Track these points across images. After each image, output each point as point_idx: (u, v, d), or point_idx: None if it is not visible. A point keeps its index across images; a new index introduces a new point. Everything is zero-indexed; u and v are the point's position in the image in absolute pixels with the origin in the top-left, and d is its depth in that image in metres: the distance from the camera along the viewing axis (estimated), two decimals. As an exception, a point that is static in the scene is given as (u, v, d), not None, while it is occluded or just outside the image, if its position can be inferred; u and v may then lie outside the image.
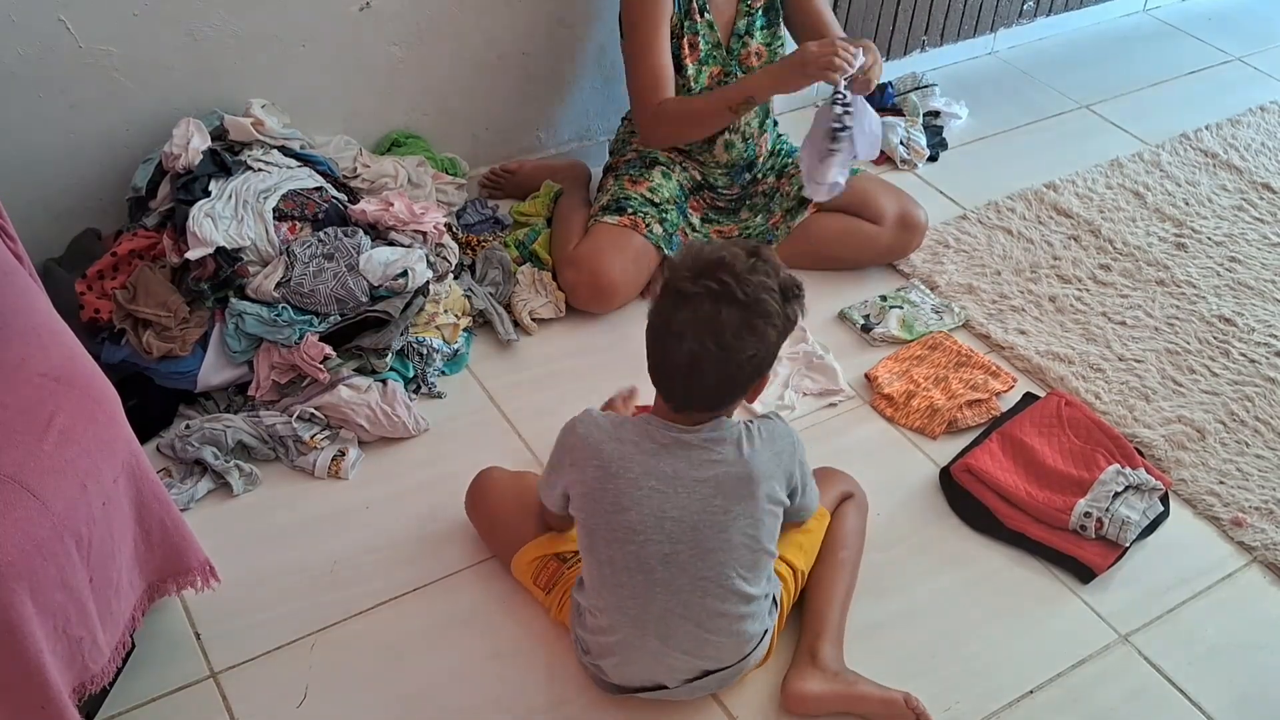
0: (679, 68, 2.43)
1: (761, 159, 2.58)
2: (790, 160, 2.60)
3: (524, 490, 1.86)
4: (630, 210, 2.42)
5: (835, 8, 3.04)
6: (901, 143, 2.98)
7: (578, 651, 1.71)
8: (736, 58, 2.46)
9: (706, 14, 2.41)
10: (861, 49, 2.20)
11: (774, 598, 1.67)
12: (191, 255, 2.06)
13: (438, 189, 2.50)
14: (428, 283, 2.19)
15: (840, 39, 2.27)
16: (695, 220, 2.53)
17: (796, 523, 1.72)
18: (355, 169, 2.41)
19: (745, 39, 2.45)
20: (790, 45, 2.48)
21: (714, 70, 2.45)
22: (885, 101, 3.14)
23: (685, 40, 2.41)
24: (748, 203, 2.59)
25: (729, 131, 2.49)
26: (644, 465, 1.51)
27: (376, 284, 2.12)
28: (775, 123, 2.64)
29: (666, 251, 2.42)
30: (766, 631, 1.66)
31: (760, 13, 2.45)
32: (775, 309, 1.44)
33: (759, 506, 1.53)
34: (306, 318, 2.08)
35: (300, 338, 2.05)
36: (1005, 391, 2.27)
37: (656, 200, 2.45)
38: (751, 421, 1.56)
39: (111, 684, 1.58)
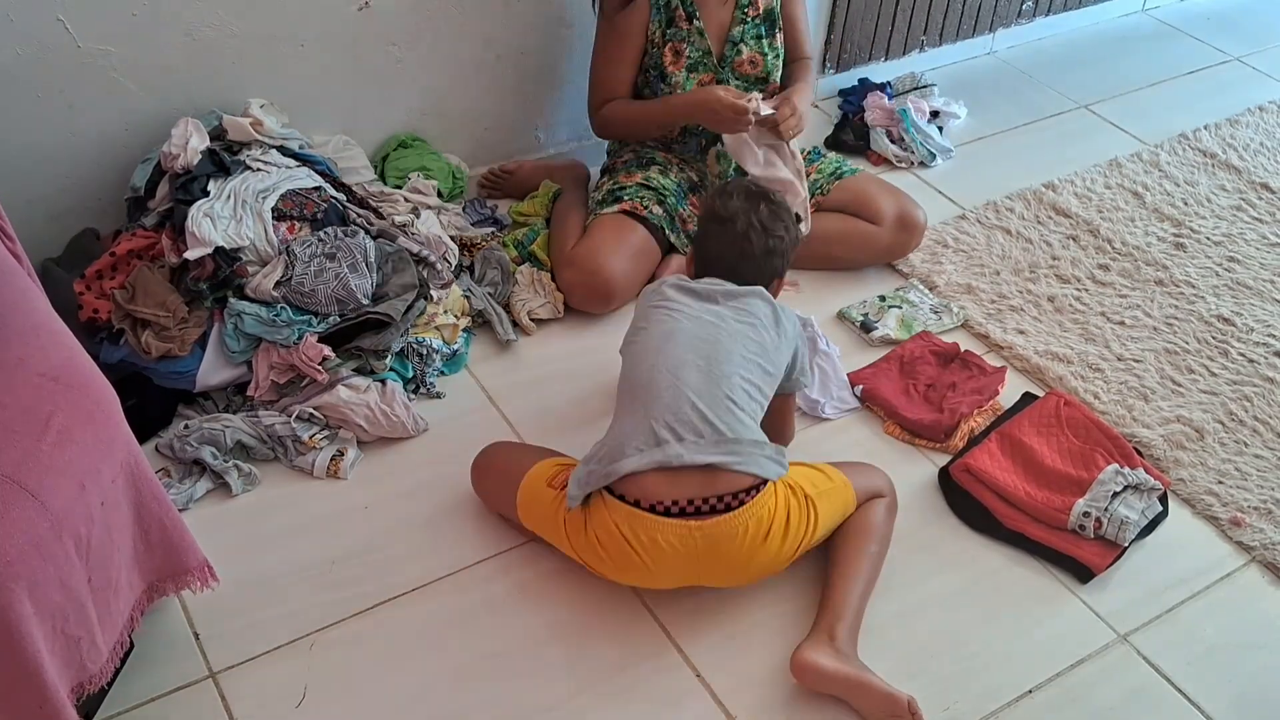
0: (663, 76, 2.42)
1: None
2: (790, 160, 2.59)
3: (530, 449, 1.96)
4: (627, 196, 2.43)
5: (835, 9, 3.05)
6: (900, 143, 2.99)
7: (581, 474, 1.73)
8: (730, 65, 2.45)
9: (696, 20, 2.39)
10: (777, 103, 2.34)
11: (774, 457, 1.74)
12: (190, 255, 2.06)
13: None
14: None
15: (754, 95, 2.34)
16: (693, 219, 2.52)
17: (790, 394, 1.99)
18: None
19: (740, 46, 2.44)
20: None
21: (704, 77, 2.44)
22: (885, 101, 3.14)
23: (669, 47, 2.40)
24: None
25: (719, 144, 2.48)
26: (698, 306, 1.85)
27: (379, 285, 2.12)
28: None
29: (670, 235, 2.43)
30: (767, 482, 1.72)
31: (757, 21, 2.44)
32: (789, 211, 1.97)
33: (780, 355, 1.85)
34: (305, 318, 2.08)
35: (299, 338, 2.05)
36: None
37: (653, 186, 2.45)
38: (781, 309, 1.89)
39: (110, 684, 1.58)
